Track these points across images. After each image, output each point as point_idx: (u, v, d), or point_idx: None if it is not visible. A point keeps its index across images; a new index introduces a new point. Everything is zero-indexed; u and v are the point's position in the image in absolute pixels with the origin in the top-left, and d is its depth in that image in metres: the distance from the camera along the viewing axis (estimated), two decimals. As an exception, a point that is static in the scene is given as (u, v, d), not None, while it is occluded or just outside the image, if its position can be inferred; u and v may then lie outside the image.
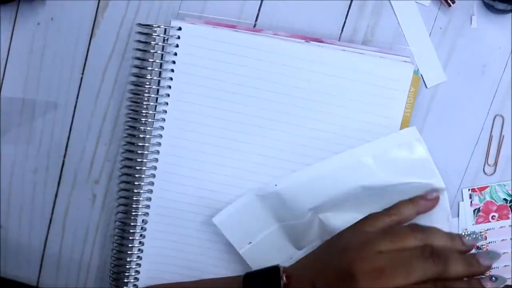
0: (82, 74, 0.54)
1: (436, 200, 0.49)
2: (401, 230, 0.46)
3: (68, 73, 0.54)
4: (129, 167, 0.51)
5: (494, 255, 0.46)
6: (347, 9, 0.52)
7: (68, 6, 0.53)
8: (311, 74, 0.50)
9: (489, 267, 0.46)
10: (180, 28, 0.50)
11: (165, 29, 0.50)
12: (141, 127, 0.51)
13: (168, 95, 0.51)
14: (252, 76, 0.50)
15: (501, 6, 0.50)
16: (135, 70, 0.51)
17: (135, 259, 0.52)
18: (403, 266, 0.42)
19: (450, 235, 0.47)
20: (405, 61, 0.50)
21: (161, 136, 0.51)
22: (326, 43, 0.51)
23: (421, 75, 0.52)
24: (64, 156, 0.55)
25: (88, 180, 0.55)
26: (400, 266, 0.42)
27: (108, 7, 0.53)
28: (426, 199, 0.49)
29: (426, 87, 0.53)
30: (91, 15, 0.53)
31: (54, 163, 0.55)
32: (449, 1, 0.51)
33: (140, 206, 0.52)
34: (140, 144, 0.51)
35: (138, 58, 0.51)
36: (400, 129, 0.51)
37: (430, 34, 0.52)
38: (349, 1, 0.52)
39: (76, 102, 0.54)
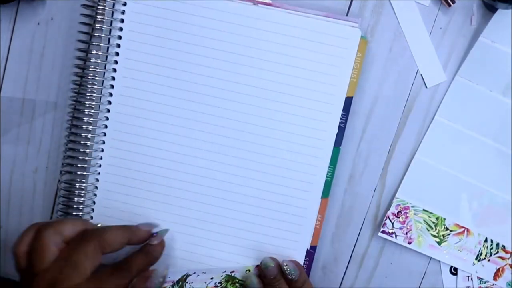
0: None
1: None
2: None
3: (68, 73, 0.54)
4: (76, 134, 0.51)
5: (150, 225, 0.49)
6: (347, 9, 0.52)
7: (68, 6, 0.53)
8: (256, 40, 0.50)
9: (149, 232, 0.49)
10: (125, 3, 0.51)
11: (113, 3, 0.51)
12: (86, 102, 0.51)
13: (117, 53, 0.51)
14: (198, 42, 0.51)
15: (501, 6, 0.50)
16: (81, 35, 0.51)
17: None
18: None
19: (124, 228, 0.48)
20: (352, 26, 0.50)
21: (109, 102, 0.52)
22: (274, 6, 0.50)
23: (421, 75, 0.52)
24: (64, 156, 0.55)
25: (88, 180, 0.55)
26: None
27: (108, 7, 0.53)
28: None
29: (426, 87, 0.53)
30: (91, 15, 0.53)
31: (54, 163, 0.55)
32: (449, 1, 0.51)
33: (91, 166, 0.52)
34: (85, 114, 0.51)
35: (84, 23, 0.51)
36: (346, 95, 0.51)
37: (430, 34, 0.52)
38: (349, 1, 0.52)
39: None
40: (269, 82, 0.51)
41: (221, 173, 0.52)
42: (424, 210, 0.53)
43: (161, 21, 0.51)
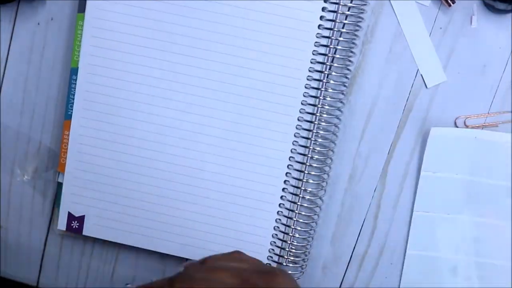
0: (82, 74, 0.54)
1: None
2: None
3: (68, 73, 0.54)
4: None
5: None
6: (347, 9, 0.52)
7: (68, 6, 0.53)
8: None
9: None
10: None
11: None
12: None
13: None
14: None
15: (501, 6, 0.50)
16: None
17: None
18: None
19: None
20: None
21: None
22: None
23: (421, 75, 0.52)
24: (64, 156, 0.55)
25: (88, 180, 0.55)
26: None
27: (108, 7, 0.53)
28: None
29: (426, 87, 0.53)
30: (91, 15, 0.53)
31: (54, 163, 0.55)
32: (449, 1, 0.51)
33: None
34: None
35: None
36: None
37: (430, 34, 0.52)
38: (349, 1, 0.52)
39: (76, 102, 0.54)
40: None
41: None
42: None
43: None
